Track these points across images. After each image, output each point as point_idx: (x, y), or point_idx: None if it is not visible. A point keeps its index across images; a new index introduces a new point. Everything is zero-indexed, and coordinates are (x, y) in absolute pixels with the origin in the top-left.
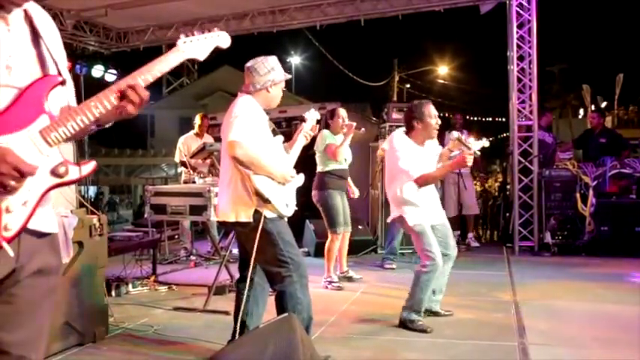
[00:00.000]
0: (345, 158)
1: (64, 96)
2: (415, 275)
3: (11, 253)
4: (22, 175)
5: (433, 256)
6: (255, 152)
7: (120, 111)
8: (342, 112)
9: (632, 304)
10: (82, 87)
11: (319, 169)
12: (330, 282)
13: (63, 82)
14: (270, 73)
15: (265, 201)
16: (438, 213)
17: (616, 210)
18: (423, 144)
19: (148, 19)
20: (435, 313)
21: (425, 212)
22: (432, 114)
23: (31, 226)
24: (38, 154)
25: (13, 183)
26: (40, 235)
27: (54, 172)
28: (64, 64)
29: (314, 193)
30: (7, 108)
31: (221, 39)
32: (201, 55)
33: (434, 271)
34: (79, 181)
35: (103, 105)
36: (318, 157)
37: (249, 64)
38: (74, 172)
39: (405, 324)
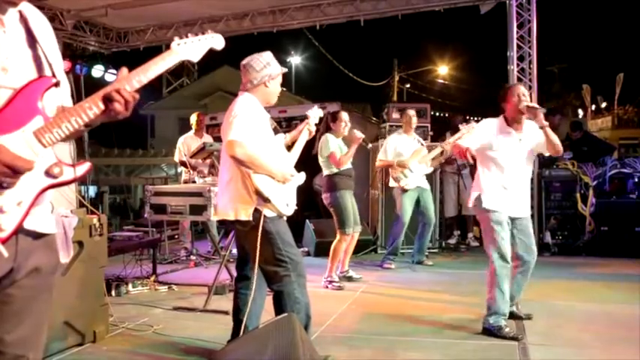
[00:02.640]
0: None
1: (58, 97)
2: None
3: (5, 254)
4: (18, 171)
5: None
6: (255, 151)
7: (109, 112)
8: (345, 115)
9: (632, 304)
10: (82, 87)
11: (326, 172)
12: (331, 282)
13: (57, 84)
14: (267, 67)
15: (265, 200)
16: (523, 207)
17: (616, 210)
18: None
19: (148, 19)
20: (511, 314)
21: (505, 201)
22: (519, 93)
23: (28, 226)
24: (32, 155)
25: (8, 180)
26: (37, 235)
27: (48, 173)
28: (59, 65)
29: (325, 195)
30: (1, 109)
31: (215, 40)
32: (195, 57)
33: (503, 266)
34: (73, 182)
35: (97, 106)
36: (322, 162)
37: (244, 61)
38: (69, 173)
39: (491, 332)
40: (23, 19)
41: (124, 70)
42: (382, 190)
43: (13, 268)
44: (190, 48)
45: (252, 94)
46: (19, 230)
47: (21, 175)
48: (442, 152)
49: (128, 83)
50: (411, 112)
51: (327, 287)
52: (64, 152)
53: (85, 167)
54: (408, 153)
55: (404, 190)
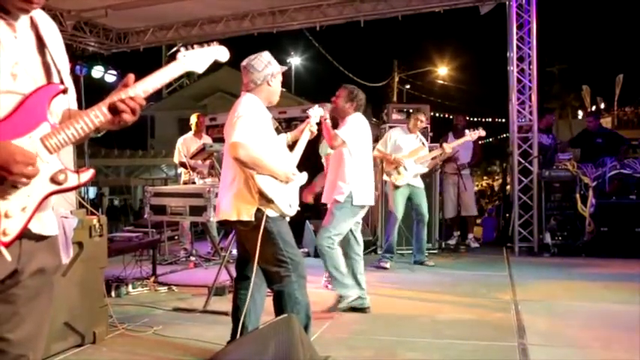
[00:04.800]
0: None
1: (65, 103)
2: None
3: (9, 258)
4: (33, 168)
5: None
6: (258, 153)
7: (118, 122)
8: None
9: (632, 304)
10: (82, 88)
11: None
12: (330, 282)
13: (65, 91)
14: (268, 67)
15: (268, 200)
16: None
17: (616, 210)
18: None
19: (148, 20)
20: None
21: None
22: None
23: (32, 229)
24: (38, 161)
25: (25, 180)
26: (41, 238)
27: (53, 179)
28: (66, 71)
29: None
30: (9, 114)
31: (220, 53)
32: (200, 68)
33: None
34: (77, 189)
35: (103, 114)
36: (325, 161)
37: (244, 62)
38: (73, 180)
39: None
40: (34, 25)
41: (131, 76)
42: (382, 191)
43: (17, 269)
44: (195, 59)
45: (254, 94)
46: (23, 234)
47: (33, 177)
48: (442, 153)
49: (134, 92)
50: (422, 117)
51: (327, 287)
52: (67, 154)
53: (88, 174)
54: (407, 149)
55: (395, 187)
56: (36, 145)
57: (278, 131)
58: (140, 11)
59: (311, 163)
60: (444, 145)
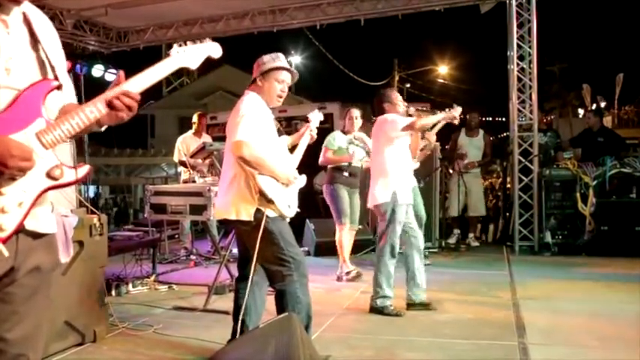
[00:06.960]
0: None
1: (60, 99)
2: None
3: (6, 253)
4: (29, 162)
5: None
6: (261, 152)
7: (115, 117)
8: (355, 112)
9: (633, 303)
10: (82, 86)
11: (330, 165)
12: (347, 272)
13: (59, 87)
14: (261, 67)
15: (269, 201)
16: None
17: (616, 209)
18: None
19: (148, 19)
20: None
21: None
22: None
23: (28, 226)
24: (34, 156)
25: (21, 174)
26: (38, 235)
27: (49, 175)
28: (62, 67)
29: (323, 187)
30: (4, 110)
31: (213, 49)
32: (194, 64)
33: None
34: (74, 184)
35: (98, 109)
36: None
37: None
38: (69, 175)
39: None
40: (27, 21)
41: (122, 73)
42: None
43: (14, 267)
44: (189, 55)
45: (256, 93)
46: (20, 230)
47: (29, 170)
48: (426, 143)
49: (128, 89)
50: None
51: (341, 279)
52: (65, 152)
53: (84, 170)
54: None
55: None
56: (31, 140)
57: (279, 132)
58: (140, 10)
59: (309, 165)
60: (427, 134)
